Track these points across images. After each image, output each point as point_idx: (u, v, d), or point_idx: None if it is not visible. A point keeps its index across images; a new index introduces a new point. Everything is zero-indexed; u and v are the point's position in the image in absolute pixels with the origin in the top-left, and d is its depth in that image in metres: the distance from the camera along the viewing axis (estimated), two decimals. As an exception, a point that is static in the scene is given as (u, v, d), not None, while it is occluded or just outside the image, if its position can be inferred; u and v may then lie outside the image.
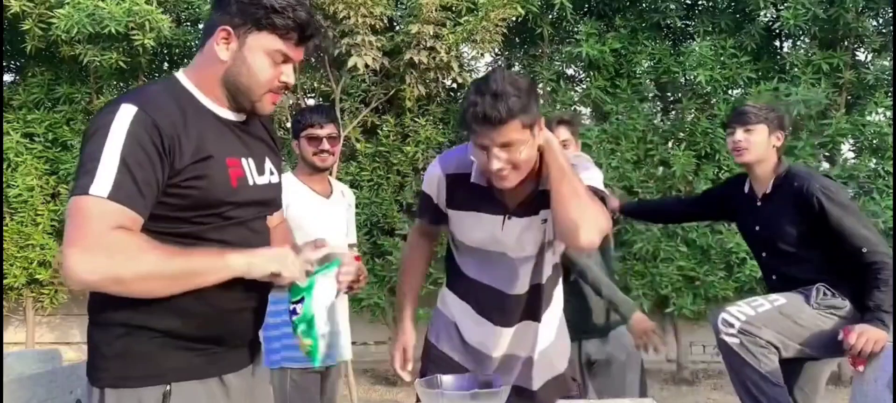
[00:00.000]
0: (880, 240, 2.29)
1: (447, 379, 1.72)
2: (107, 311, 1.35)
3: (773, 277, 2.49)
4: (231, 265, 1.33)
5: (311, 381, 2.54)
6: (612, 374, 2.87)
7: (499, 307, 1.89)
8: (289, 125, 5.83)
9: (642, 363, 2.91)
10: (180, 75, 1.44)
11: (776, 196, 2.45)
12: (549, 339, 1.96)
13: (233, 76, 1.39)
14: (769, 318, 2.26)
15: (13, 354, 2.68)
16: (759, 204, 2.51)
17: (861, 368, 2.19)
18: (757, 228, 2.51)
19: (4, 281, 5.47)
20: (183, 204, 1.33)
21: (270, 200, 1.54)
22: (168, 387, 1.34)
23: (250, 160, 1.45)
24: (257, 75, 1.39)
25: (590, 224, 1.63)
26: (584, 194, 1.67)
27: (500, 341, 1.92)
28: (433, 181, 1.90)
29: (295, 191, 2.55)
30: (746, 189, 2.59)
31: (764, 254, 2.52)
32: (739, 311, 2.26)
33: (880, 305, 2.21)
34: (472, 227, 1.85)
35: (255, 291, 1.47)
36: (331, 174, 2.78)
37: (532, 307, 1.90)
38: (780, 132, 2.48)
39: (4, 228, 5.50)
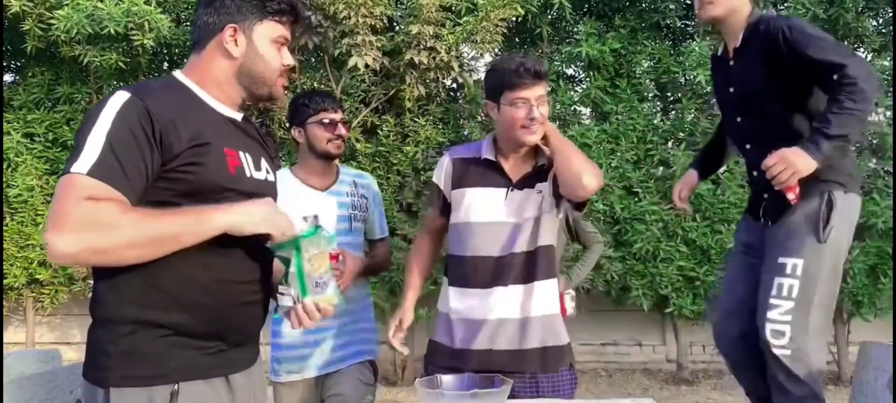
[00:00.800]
0: (855, 60, 1.95)
1: (447, 379, 1.72)
2: (113, 309, 1.35)
3: (748, 146, 2.24)
4: (215, 224, 1.32)
5: (287, 393, 2.40)
6: None
7: (493, 269, 2.04)
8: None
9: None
10: (179, 74, 1.48)
11: (747, 47, 2.16)
12: (547, 308, 2.06)
13: (248, 69, 1.47)
14: (805, 302, 2.01)
15: (13, 354, 2.68)
16: (731, 62, 2.23)
17: (792, 196, 1.99)
18: (730, 89, 2.23)
19: (4, 281, 5.47)
20: (181, 189, 1.34)
21: (268, 197, 1.54)
22: (176, 386, 1.34)
23: (247, 154, 1.48)
24: (270, 62, 1.48)
25: (590, 172, 1.95)
26: (581, 152, 2.03)
27: (493, 303, 2.03)
28: (441, 168, 2.17)
29: (283, 184, 2.32)
30: (720, 51, 2.32)
31: (738, 118, 2.24)
32: (781, 316, 2.02)
33: (824, 128, 1.91)
34: (479, 201, 2.07)
35: (261, 284, 1.49)
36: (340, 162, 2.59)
37: (528, 269, 2.04)
38: None
39: (4, 228, 5.50)
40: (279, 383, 2.43)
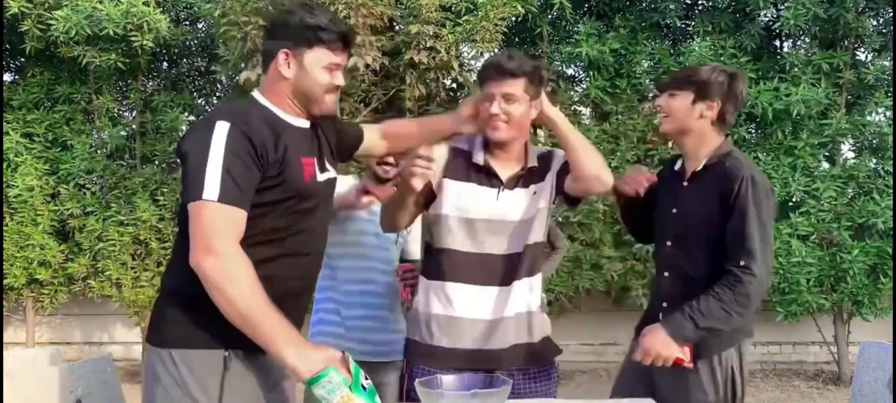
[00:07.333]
0: (763, 267, 1.91)
1: (447, 379, 1.72)
2: (190, 289, 1.55)
3: (666, 273, 2.14)
4: (283, 356, 1.51)
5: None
6: None
7: (491, 270, 2.02)
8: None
9: None
10: (256, 95, 1.74)
11: (705, 176, 2.07)
12: (531, 305, 2.05)
13: (298, 87, 1.71)
14: None
15: (13, 354, 2.67)
16: (685, 183, 2.12)
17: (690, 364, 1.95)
18: (674, 210, 2.12)
19: (4, 281, 5.47)
20: (272, 197, 1.62)
21: (330, 194, 1.83)
22: (227, 352, 1.59)
23: (315, 159, 1.74)
24: (319, 82, 1.71)
25: (604, 169, 1.99)
26: (591, 146, 2.01)
27: (492, 303, 2.01)
28: (440, 156, 2.05)
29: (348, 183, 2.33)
30: (678, 166, 2.20)
31: (668, 243, 2.14)
32: None
33: (696, 317, 1.90)
34: (468, 196, 2.02)
35: (312, 280, 1.82)
36: None
37: (520, 267, 2.03)
38: (710, 102, 2.05)
39: (4, 228, 5.50)
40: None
